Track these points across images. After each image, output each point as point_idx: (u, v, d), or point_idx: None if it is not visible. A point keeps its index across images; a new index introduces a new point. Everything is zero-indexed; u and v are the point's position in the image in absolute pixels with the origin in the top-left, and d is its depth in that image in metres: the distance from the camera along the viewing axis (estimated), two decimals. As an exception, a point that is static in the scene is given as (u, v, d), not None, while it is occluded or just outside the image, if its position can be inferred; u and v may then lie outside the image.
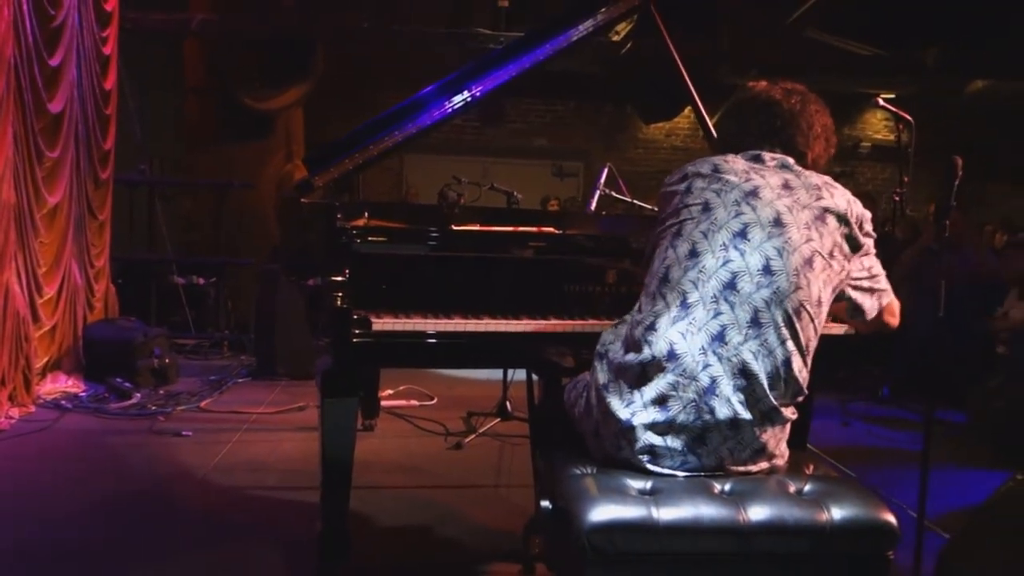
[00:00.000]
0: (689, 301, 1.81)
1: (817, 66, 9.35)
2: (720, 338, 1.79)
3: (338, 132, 2.87)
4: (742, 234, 1.83)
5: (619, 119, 11.51)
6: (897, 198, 4.87)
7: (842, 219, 1.91)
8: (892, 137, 11.30)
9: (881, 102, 4.70)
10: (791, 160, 1.98)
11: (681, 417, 1.79)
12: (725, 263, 1.82)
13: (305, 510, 3.32)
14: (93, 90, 5.87)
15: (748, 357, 1.79)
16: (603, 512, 1.69)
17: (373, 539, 3.12)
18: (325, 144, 2.82)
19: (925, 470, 2.54)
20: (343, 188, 2.99)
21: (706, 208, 1.88)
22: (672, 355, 1.79)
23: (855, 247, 1.94)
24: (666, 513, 1.70)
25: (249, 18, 7.96)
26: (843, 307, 2.05)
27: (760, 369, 1.79)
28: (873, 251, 2.00)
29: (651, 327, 1.83)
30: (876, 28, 9.06)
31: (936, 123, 9.04)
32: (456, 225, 3.03)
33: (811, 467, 1.98)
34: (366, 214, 2.99)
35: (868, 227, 1.97)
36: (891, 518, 1.78)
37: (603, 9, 2.84)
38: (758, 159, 1.98)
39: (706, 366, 1.78)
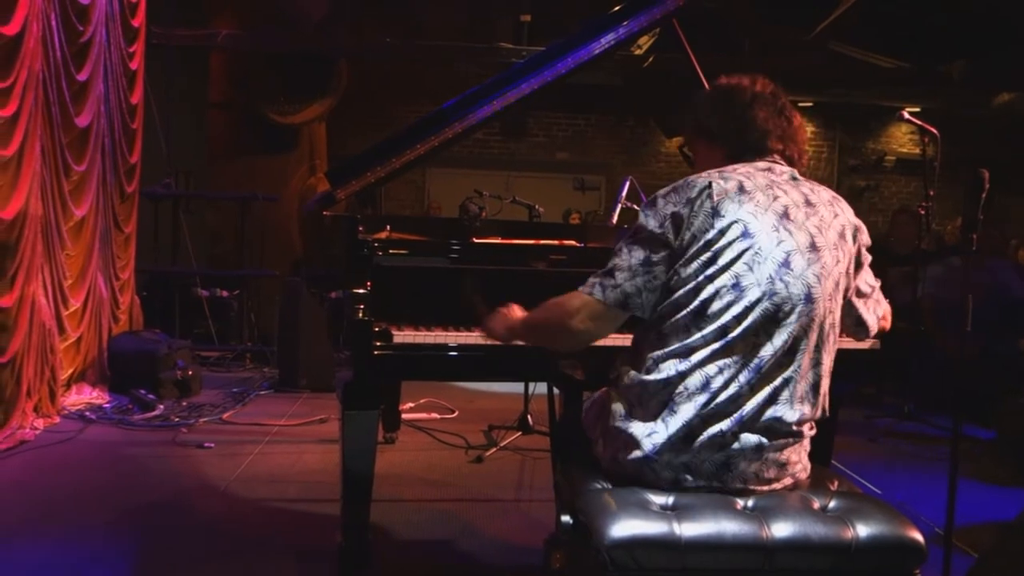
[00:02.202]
0: (730, 337, 1.74)
1: (841, 79, 9.31)
2: (757, 369, 1.75)
3: (360, 146, 2.89)
4: (786, 264, 1.76)
5: (641, 133, 11.51)
6: (923, 211, 4.84)
7: (855, 235, 1.89)
8: (917, 150, 11.22)
9: (906, 115, 4.67)
10: (796, 171, 1.92)
11: (707, 449, 1.76)
12: (771, 296, 1.75)
13: (326, 522, 3.31)
14: (120, 104, 5.94)
15: (781, 384, 1.77)
16: (624, 528, 1.68)
17: (393, 552, 3.11)
18: (348, 158, 2.83)
19: (953, 487, 2.50)
20: (365, 201, 3.01)
21: (746, 234, 1.75)
22: (707, 388, 1.75)
23: (859, 263, 1.94)
24: (688, 529, 1.68)
25: (273, 33, 8.03)
26: (846, 327, 2.02)
27: (791, 395, 1.78)
28: (869, 259, 1.98)
29: (685, 360, 1.76)
30: (901, 41, 9.01)
31: (960, 136, 8.96)
32: (478, 238, 3.04)
33: (835, 483, 1.96)
34: (388, 227, 3.00)
35: (866, 238, 1.95)
36: (918, 536, 1.75)
37: (625, 22, 2.83)
38: (770, 171, 1.88)
39: (739, 397, 1.75)
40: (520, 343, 2.15)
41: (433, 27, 8.93)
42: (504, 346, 2.25)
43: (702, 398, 1.74)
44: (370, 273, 2.31)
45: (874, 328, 2.04)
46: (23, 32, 4.32)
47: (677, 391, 1.76)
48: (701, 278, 1.76)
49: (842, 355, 2.39)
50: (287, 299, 6.25)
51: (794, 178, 1.89)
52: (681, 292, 1.78)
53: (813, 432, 1.88)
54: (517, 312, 2.11)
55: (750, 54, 8.97)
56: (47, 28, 4.74)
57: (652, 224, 1.82)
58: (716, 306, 1.75)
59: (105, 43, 5.60)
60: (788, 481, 1.86)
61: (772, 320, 1.75)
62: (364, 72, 9.31)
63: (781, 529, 1.70)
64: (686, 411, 1.75)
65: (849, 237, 1.87)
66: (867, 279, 1.99)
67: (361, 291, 2.27)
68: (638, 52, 8.69)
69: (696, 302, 1.76)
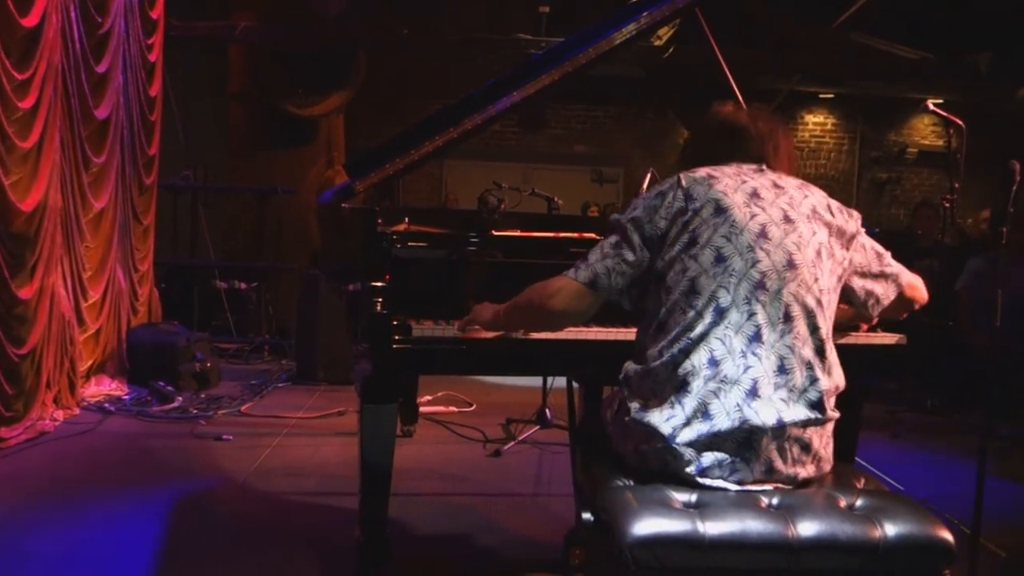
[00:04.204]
0: (722, 306, 1.80)
1: (863, 70, 9.20)
2: (757, 338, 1.79)
3: (378, 138, 2.86)
4: (763, 234, 1.84)
5: (660, 125, 11.43)
6: (947, 204, 4.77)
7: (828, 210, 1.95)
8: (940, 143, 11.09)
9: (931, 106, 4.61)
10: (764, 167, 2.02)
11: (725, 425, 1.75)
12: (754, 264, 1.82)
13: (344, 515, 3.30)
14: (138, 96, 5.95)
15: (785, 352, 1.80)
16: (647, 526, 1.65)
17: (411, 546, 3.10)
18: (366, 149, 2.81)
19: (981, 484, 2.46)
20: (383, 194, 2.98)
21: (719, 210, 1.86)
22: (712, 362, 1.78)
23: (850, 237, 1.98)
24: (712, 527, 1.65)
25: (291, 26, 8.03)
26: (856, 306, 2.08)
27: (798, 361, 1.80)
28: (864, 230, 2.04)
29: (686, 338, 1.80)
30: (925, 32, 8.89)
31: (981, 129, 8.83)
32: (496, 231, 3.01)
33: (861, 481, 1.93)
34: (406, 219, 2.98)
35: (852, 215, 2.01)
36: (948, 535, 1.72)
37: (647, 11, 2.79)
38: (737, 166, 2.00)
39: (747, 368, 1.78)
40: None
41: (451, 19, 8.90)
42: (523, 340, 2.23)
43: (710, 371, 1.78)
44: (389, 266, 2.29)
45: (887, 296, 2.06)
46: (42, 23, 4.32)
47: (686, 370, 1.79)
48: (685, 257, 1.85)
49: (867, 349, 2.36)
50: (305, 291, 6.26)
51: (760, 170, 2.00)
52: (670, 275, 1.87)
53: (836, 415, 1.86)
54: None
55: (771, 46, 8.89)
56: (66, 20, 4.74)
57: (623, 216, 1.97)
58: (704, 281, 1.82)
59: (124, 35, 5.60)
60: (812, 469, 1.85)
61: (760, 288, 1.81)
62: (382, 64, 9.28)
63: (807, 528, 1.67)
64: (697, 385, 1.78)
65: (824, 213, 1.94)
66: (869, 246, 2.05)
67: (379, 284, 2.25)
68: (658, 43, 8.63)
69: (685, 280, 1.84)
